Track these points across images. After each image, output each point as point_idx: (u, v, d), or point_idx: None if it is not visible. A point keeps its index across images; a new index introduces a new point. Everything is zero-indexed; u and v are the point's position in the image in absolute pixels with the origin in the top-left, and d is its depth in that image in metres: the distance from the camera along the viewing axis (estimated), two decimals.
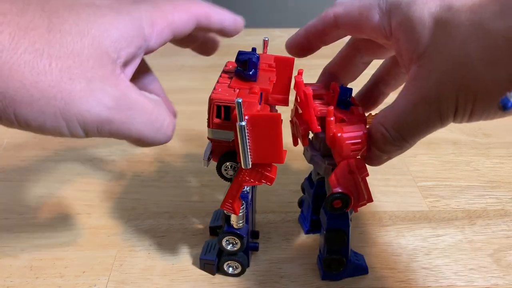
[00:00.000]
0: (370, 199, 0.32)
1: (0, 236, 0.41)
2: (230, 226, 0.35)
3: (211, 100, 0.30)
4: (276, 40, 0.87)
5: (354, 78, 0.36)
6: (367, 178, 0.32)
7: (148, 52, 0.27)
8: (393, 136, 0.29)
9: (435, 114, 0.27)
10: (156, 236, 0.41)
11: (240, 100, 0.27)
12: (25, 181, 0.48)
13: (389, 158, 0.31)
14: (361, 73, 0.36)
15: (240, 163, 0.30)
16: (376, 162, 0.31)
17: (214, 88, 0.32)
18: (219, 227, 0.40)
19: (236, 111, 0.27)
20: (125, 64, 0.25)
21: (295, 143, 0.37)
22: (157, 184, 0.48)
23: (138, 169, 0.50)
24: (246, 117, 0.28)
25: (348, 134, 0.30)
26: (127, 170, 0.50)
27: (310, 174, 0.40)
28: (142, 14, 0.26)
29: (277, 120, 0.28)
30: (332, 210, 0.33)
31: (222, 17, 0.30)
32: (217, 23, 0.30)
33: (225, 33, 0.31)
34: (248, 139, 0.28)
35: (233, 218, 0.35)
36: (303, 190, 0.42)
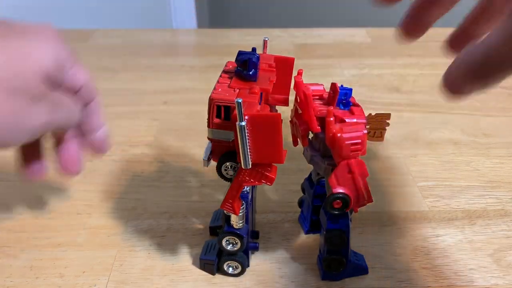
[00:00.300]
0: (370, 199, 0.32)
1: (0, 236, 0.41)
2: (230, 226, 0.35)
3: (211, 100, 0.30)
4: (276, 40, 0.88)
5: (442, 14, 0.33)
6: (367, 178, 0.32)
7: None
8: (477, 72, 0.27)
9: None
10: (156, 236, 0.41)
11: (240, 100, 0.27)
12: (25, 181, 0.48)
13: (469, 91, 0.29)
14: (448, 11, 0.33)
15: (240, 163, 0.30)
16: (456, 92, 0.28)
17: (214, 88, 0.32)
18: (219, 227, 0.40)
19: (236, 111, 0.27)
20: (55, 79, 0.29)
21: (295, 143, 0.37)
22: (157, 184, 0.48)
23: (138, 169, 0.50)
24: (246, 117, 0.28)
25: (348, 135, 0.30)
26: (127, 170, 0.50)
27: (310, 174, 0.40)
28: (67, 50, 0.30)
29: (277, 120, 0.28)
30: (332, 210, 0.33)
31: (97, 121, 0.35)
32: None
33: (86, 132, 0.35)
34: (248, 139, 0.28)
35: (233, 218, 0.35)
36: (303, 190, 0.42)
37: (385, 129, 0.34)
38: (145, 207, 0.45)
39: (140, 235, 0.41)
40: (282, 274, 0.38)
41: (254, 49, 0.34)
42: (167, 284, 0.37)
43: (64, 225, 0.42)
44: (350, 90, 0.33)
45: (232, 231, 0.35)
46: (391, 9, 0.32)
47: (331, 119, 0.31)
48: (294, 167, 0.48)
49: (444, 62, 0.28)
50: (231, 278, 0.37)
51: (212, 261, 0.37)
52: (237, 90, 0.31)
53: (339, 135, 0.30)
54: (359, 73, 0.73)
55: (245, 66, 0.32)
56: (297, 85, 0.33)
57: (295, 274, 0.38)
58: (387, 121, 0.34)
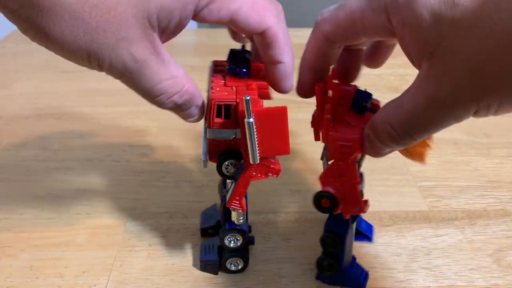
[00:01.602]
0: (361, 210, 0.32)
1: (0, 236, 0.41)
2: (231, 223, 0.35)
3: (210, 100, 0.30)
4: None
5: (328, 68, 0.33)
6: (366, 179, 0.31)
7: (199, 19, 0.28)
8: (401, 135, 0.27)
9: (450, 116, 0.25)
10: (156, 236, 0.41)
11: (248, 98, 0.27)
12: (25, 181, 0.48)
13: (392, 151, 0.30)
14: (334, 61, 0.33)
15: (248, 159, 0.29)
16: (378, 155, 0.30)
17: (211, 88, 0.32)
18: (211, 227, 0.40)
19: (244, 108, 0.27)
20: (165, 30, 0.27)
21: (317, 137, 0.35)
22: (157, 184, 0.48)
23: (138, 169, 0.50)
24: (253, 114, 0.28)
25: (340, 135, 0.30)
26: (127, 170, 0.50)
27: None
28: None
29: (284, 113, 0.28)
30: (320, 209, 0.32)
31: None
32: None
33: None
34: (256, 134, 0.28)
35: (234, 215, 0.35)
36: None
37: (427, 151, 0.32)
38: (145, 207, 0.45)
39: (140, 235, 0.41)
40: (282, 274, 0.38)
41: (243, 47, 0.34)
42: (167, 284, 0.37)
43: (64, 225, 0.42)
44: (369, 95, 0.32)
45: (234, 228, 0.35)
46: None
47: (328, 116, 0.30)
48: (294, 167, 0.48)
49: None
50: (231, 278, 0.37)
51: (214, 261, 0.37)
52: (235, 88, 0.31)
53: (331, 133, 0.30)
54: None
55: (238, 64, 0.32)
56: (328, 84, 0.32)
57: (295, 274, 0.38)
58: (429, 142, 0.32)
